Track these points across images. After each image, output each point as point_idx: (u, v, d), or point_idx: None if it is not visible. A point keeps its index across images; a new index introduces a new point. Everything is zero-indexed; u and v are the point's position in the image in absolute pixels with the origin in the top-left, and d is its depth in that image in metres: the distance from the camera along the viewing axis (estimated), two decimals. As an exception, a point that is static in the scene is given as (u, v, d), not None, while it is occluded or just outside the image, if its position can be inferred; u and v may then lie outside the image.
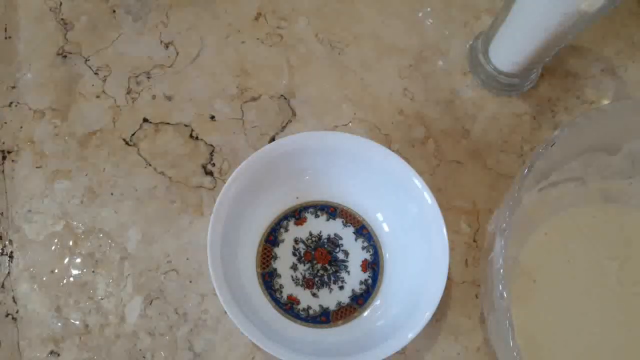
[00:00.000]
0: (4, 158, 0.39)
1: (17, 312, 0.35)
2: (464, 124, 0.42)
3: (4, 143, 0.39)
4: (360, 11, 0.45)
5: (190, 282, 0.36)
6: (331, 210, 0.38)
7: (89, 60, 0.42)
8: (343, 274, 0.37)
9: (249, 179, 0.35)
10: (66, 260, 0.36)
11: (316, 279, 0.36)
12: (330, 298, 0.36)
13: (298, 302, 0.36)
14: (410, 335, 0.31)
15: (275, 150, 0.36)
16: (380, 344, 0.32)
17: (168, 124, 0.40)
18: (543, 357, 0.34)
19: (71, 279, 0.36)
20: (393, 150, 0.36)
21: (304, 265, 0.37)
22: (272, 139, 0.40)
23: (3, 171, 0.38)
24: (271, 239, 0.37)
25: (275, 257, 0.37)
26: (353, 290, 0.36)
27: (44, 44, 0.42)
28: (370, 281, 0.36)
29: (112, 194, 0.38)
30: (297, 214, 0.38)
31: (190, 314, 0.36)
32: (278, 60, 0.43)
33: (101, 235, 0.37)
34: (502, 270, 0.29)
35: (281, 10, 0.44)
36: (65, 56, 0.42)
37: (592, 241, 0.37)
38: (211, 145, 0.40)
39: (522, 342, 0.29)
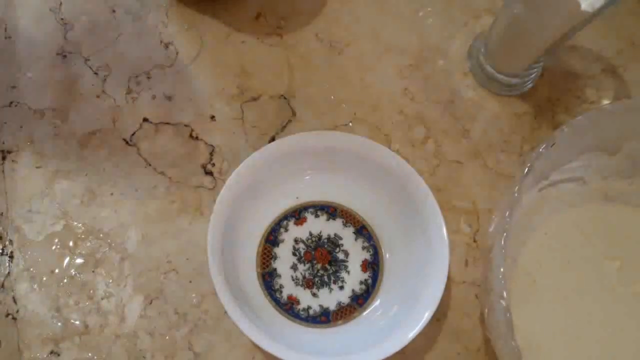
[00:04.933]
0: (4, 158, 0.39)
1: (17, 312, 0.35)
2: (464, 124, 0.42)
3: (4, 143, 0.39)
4: (360, 11, 0.45)
5: (190, 282, 0.36)
6: (331, 210, 0.38)
7: (89, 60, 0.42)
8: (343, 274, 0.37)
9: (249, 179, 0.35)
10: (66, 260, 0.36)
11: (316, 278, 0.36)
12: (330, 298, 0.36)
13: (298, 302, 0.36)
14: (410, 335, 0.31)
15: (275, 150, 0.36)
16: (380, 343, 0.32)
17: (168, 124, 0.40)
18: (543, 357, 0.34)
19: (71, 279, 0.36)
20: (393, 150, 0.36)
21: (304, 265, 0.37)
22: (272, 139, 0.40)
23: (3, 171, 0.38)
24: (271, 239, 0.37)
25: (275, 257, 0.37)
26: (353, 290, 0.36)
27: (44, 44, 0.42)
28: (370, 281, 0.36)
29: (112, 194, 0.38)
30: (297, 214, 0.38)
31: (190, 314, 0.36)
32: (278, 60, 0.43)
33: (101, 235, 0.37)
34: (502, 270, 0.29)
35: (281, 10, 0.44)
36: (65, 56, 0.42)
37: (592, 241, 0.37)
38: (211, 145, 0.40)
39: (522, 342, 0.29)
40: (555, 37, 0.36)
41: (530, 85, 0.43)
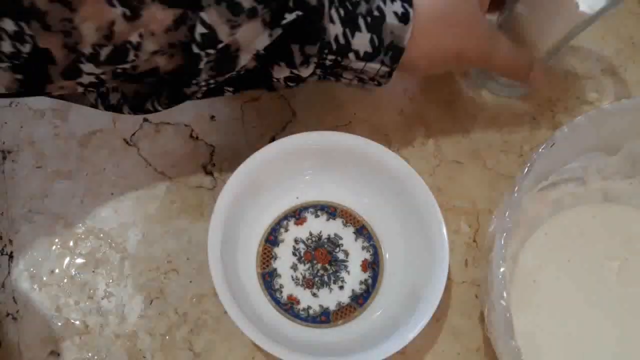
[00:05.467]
0: (4, 158, 0.39)
1: (17, 312, 0.35)
2: (464, 124, 0.42)
3: (4, 143, 0.39)
4: (360, 11, 0.45)
5: (191, 282, 0.36)
6: (331, 210, 0.38)
7: (89, 60, 0.42)
8: (343, 274, 0.37)
9: (249, 179, 0.35)
10: (66, 260, 0.36)
11: (316, 278, 0.36)
12: (330, 298, 0.36)
13: (298, 302, 0.36)
14: (410, 336, 0.31)
15: (275, 150, 0.36)
16: (380, 344, 0.32)
17: (168, 123, 0.40)
18: (543, 357, 0.34)
19: (71, 279, 0.36)
20: (393, 150, 0.36)
21: (304, 265, 0.37)
22: (272, 139, 0.40)
23: (3, 171, 0.38)
24: (271, 239, 0.37)
25: (275, 257, 0.37)
26: (353, 290, 0.36)
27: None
28: (370, 281, 0.36)
29: (112, 194, 0.38)
30: (297, 214, 0.38)
31: (190, 313, 0.36)
32: (278, 60, 0.42)
33: (101, 235, 0.37)
34: (502, 270, 0.29)
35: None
36: (65, 56, 0.42)
37: (592, 241, 0.37)
38: (211, 145, 0.40)
39: (522, 342, 0.29)
40: (556, 39, 0.36)
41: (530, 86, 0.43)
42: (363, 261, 0.37)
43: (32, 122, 0.40)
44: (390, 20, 0.31)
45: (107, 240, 0.37)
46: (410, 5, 0.31)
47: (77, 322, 0.35)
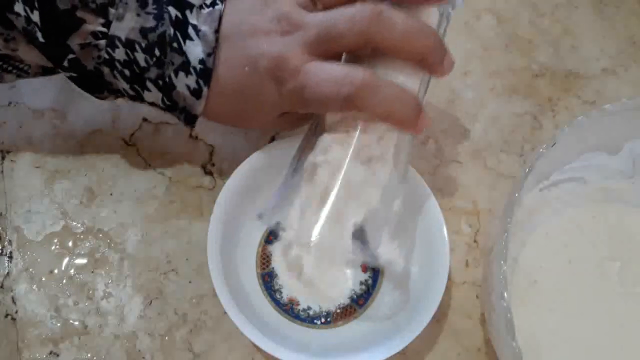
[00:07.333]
0: (3, 158, 0.39)
1: (16, 312, 0.35)
2: (465, 124, 0.42)
3: (3, 143, 0.39)
4: (361, 11, 0.45)
5: (190, 282, 0.36)
6: (331, 211, 0.38)
7: (88, 60, 0.42)
8: (343, 275, 0.37)
9: (249, 179, 0.35)
10: (65, 261, 0.36)
11: (316, 279, 0.36)
12: (331, 299, 0.36)
13: (298, 303, 0.36)
14: (411, 336, 0.31)
15: (275, 150, 0.36)
16: (380, 344, 0.32)
17: (167, 123, 0.40)
18: (544, 357, 0.34)
19: (70, 279, 0.36)
20: (393, 150, 0.36)
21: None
22: (272, 139, 0.40)
23: (2, 171, 0.38)
24: (271, 239, 0.37)
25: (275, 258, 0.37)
26: (353, 290, 0.36)
27: (43, 43, 0.42)
28: (370, 282, 0.36)
29: (111, 194, 0.38)
30: (297, 214, 0.38)
31: (189, 314, 0.35)
32: (278, 60, 0.42)
33: (100, 235, 0.37)
34: (502, 271, 0.29)
35: (281, 10, 0.44)
36: (64, 56, 0.42)
37: (593, 241, 0.37)
38: (211, 145, 0.40)
39: (522, 343, 0.29)
40: None
41: None
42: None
43: (31, 121, 0.40)
44: (182, 90, 0.31)
45: (106, 241, 0.37)
46: (206, 83, 0.31)
47: (76, 323, 0.35)
